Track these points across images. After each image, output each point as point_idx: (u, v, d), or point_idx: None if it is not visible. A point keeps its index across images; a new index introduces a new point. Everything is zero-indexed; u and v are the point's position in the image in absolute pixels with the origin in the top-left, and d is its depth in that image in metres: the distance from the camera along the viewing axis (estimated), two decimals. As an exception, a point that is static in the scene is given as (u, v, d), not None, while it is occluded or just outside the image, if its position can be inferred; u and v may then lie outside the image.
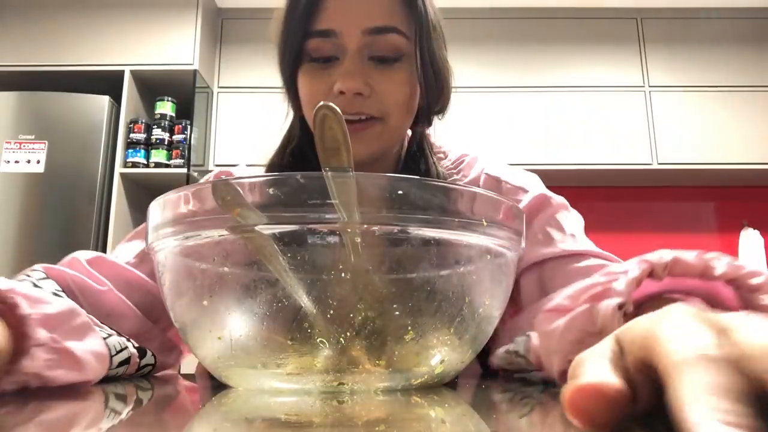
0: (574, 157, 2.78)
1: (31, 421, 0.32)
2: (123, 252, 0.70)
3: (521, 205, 0.70)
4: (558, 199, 0.73)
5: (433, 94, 0.72)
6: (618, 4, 2.94)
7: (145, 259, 0.68)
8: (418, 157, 0.76)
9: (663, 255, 0.36)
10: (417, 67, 0.69)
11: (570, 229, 0.69)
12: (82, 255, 0.66)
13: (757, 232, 2.91)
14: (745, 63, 2.91)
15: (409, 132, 0.77)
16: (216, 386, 0.48)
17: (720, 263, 0.36)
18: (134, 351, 0.58)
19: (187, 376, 0.70)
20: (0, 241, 2.44)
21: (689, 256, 0.36)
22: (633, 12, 2.97)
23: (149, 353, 0.62)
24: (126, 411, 0.38)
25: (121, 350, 0.55)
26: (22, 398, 0.39)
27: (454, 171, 0.78)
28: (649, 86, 2.89)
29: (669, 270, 0.36)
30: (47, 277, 0.60)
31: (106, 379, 0.54)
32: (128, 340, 0.58)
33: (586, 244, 0.68)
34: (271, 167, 0.79)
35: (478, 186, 0.74)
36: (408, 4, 0.68)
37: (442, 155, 0.80)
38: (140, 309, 0.65)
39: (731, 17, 2.96)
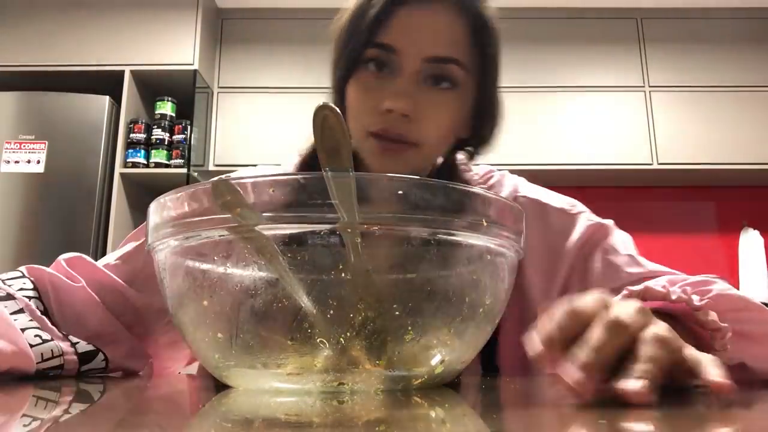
0: (574, 157, 2.78)
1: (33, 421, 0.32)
2: (111, 255, 0.70)
3: (575, 237, 0.72)
4: (607, 223, 0.74)
5: (485, 130, 0.73)
6: (618, 4, 2.94)
7: (129, 260, 0.68)
8: (449, 175, 0.75)
9: (637, 286, 0.49)
10: (473, 102, 0.69)
11: (628, 250, 0.71)
12: (64, 256, 0.67)
13: (757, 232, 2.91)
14: (745, 63, 2.90)
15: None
16: (216, 386, 0.48)
17: (677, 290, 0.47)
18: (73, 358, 0.59)
19: (187, 377, 0.70)
20: (0, 241, 2.44)
21: (657, 284, 0.49)
22: (633, 12, 2.97)
23: (99, 357, 0.62)
24: (126, 411, 0.38)
25: (52, 357, 0.57)
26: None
27: (484, 186, 0.77)
28: (649, 86, 2.89)
29: (641, 295, 0.48)
30: (23, 276, 0.63)
31: (101, 380, 0.54)
32: (73, 345, 0.59)
33: (650, 266, 0.70)
34: (304, 170, 0.76)
35: None
36: (475, 35, 0.67)
37: (465, 167, 0.80)
38: (112, 310, 0.65)
39: (731, 17, 2.96)
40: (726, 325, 0.46)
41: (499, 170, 0.81)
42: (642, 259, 0.71)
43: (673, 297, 0.47)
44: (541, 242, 0.72)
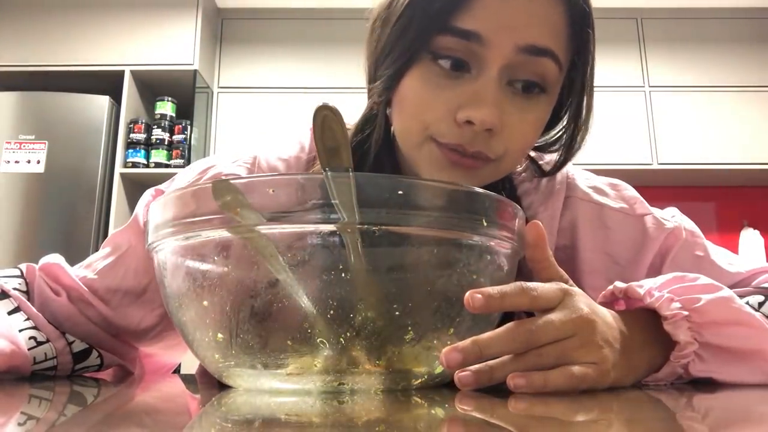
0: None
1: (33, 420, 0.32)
2: (92, 258, 0.65)
3: (644, 252, 0.63)
4: (674, 223, 0.65)
5: (576, 138, 0.63)
6: (618, 4, 2.94)
7: (105, 275, 0.62)
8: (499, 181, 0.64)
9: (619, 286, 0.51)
10: (571, 104, 0.60)
11: (701, 250, 0.64)
12: (43, 261, 0.63)
13: (757, 232, 2.91)
14: (745, 63, 2.90)
15: None
16: (216, 386, 0.48)
17: (656, 294, 0.47)
18: (67, 358, 0.58)
19: (187, 377, 0.70)
20: (0, 241, 2.44)
21: (643, 286, 0.48)
22: (633, 12, 2.97)
23: (94, 355, 0.61)
24: (126, 411, 0.38)
25: (45, 360, 0.56)
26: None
27: (527, 181, 0.67)
28: (649, 86, 2.89)
29: (624, 293, 0.50)
30: (21, 276, 0.62)
31: (96, 381, 0.54)
32: (69, 343, 0.58)
33: (728, 265, 0.64)
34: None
35: (559, 204, 0.65)
36: (574, 24, 0.57)
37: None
38: (95, 324, 0.62)
39: (731, 17, 2.96)
40: (689, 339, 0.45)
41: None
42: (717, 256, 0.64)
43: (647, 300, 0.47)
44: (602, 252, 0.65)
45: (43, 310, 0.60)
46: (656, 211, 0.67)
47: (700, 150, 2.80)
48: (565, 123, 0.63)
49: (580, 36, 0.57)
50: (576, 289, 0.44)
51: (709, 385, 0.48)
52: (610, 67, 2.90)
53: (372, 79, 0.60)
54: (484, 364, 0.41)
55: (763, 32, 2.95)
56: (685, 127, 2.83)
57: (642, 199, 0.67)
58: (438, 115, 0.53)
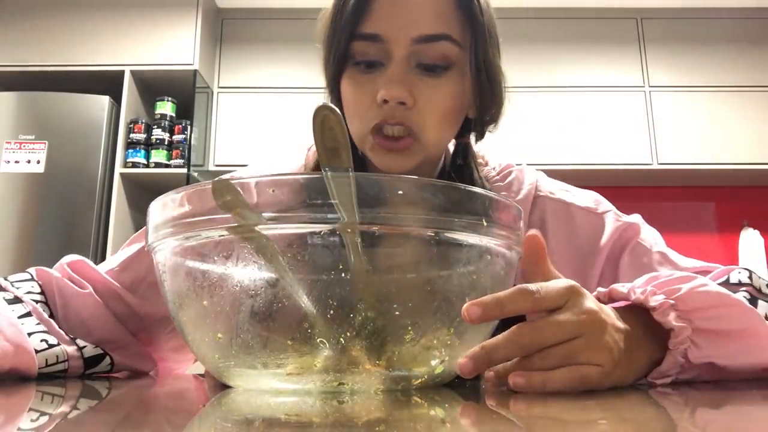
0: (574, 157, 2.78)
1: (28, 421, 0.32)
2: (112, 259, 0.69)
3: (603, 240, 0.69)
4: (635, 221, 0.71)
5: (487, 106, 0.68)
6: (618, 4, 2.94)
7: (131, 266, 0.67)
8: (462, 169, 0.73)
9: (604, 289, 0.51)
10: (471, 77, 0.65)
11: (658, 247, 0.69)
12: (66, 259, 0.66)
13: (757, 232, 2.91)
14: (745, 63, 2.90)
15: (453, 142, 0.74)
16: (216, 386, 0.48)
17: (638, 290, 0.48)
18: (78, 363, 0.59)
19: (193, 377, 0.70)
20: (0, 241, 2.44)
21: (625, 285, 0.50)
22: (633, 12, 2.97)
23: (106, 361, 0.61)
24: (127, 411, 0.38)
25: (57, 363, 0.56)
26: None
27: (501, 183, 0.74)
28: (649, 86, 2.89)
29: (609, 296, 0.50)
30: (31, 279, 0.63)
31: (107, 379, 0.54)
32: (80, 349, 0.59)
33: (681, 261, 0.68)
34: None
35: (528, 203, 0.72)
36: (462, 8, 0.64)
37: (482, 161, 0.77)
38: (118, 317, 0.65)
39: (731, 17, 2.96)
40: (681, 324, 0.46)
41: (518, 165, 0.78)
42: (673, 255, 0.69)
43: (632, 297, 0.48)
44: (568, 245, 0.70)
45: (67, 308, 0.61)
46: (617, 211, 0.73)
47: (700, 150, 2.80)
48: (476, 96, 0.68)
49: (470, 13, 0.64)
50: (583, 289, 0.44)
51: (707, 384, 0.48)
52: (610, 67, 2.90)
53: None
54: (490, 370, 0.43)
55: (763, 32, 2.95)
56: (685, 127, 2.83)
57: (607, 201, 0.74)
58: (366, 105, 0.64)
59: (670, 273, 0.50)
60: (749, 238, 2.90)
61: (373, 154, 0.65)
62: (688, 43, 2.93)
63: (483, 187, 0.70)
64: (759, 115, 2.84)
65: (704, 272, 0.64)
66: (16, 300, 0.58)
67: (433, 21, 0.62)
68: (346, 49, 0.64)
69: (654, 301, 0.47)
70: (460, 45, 0.63)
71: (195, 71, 2.72)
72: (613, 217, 0.71)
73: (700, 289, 0.48)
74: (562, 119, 2.83)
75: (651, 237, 0.71)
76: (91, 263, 0.66)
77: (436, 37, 0.62)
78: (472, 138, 0.74)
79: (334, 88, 0.68)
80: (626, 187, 3.06)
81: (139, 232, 0.68)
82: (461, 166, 0.73)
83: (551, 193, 0.73)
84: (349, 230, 0.39)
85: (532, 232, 0.47)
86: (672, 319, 0.46)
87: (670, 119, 2.84)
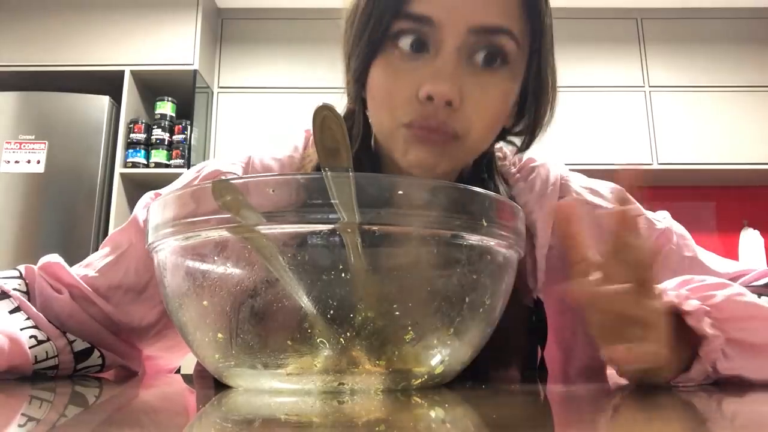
0: (574, 157, 2.78)
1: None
2: (90, 259, 0.66)
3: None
4: (666, 226, 0.67)
5: (540, 114, 0.63)
6: (618, 4, 2.94)
7: (107, 273, 0.63)
8: (485, 178, 0.67)
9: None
10: (525, 82, 0.60)
11: (690, 251, 0.66)
12: (42, 261, 0.63)
13: (757, 232, 2.91)
14: (745, 63, 2.90)
15: None
16: (216, 386, 0.48)
17: (673, 293, 0.47)
18: (68, 357, 0.58)
19: (185, 377, 0.70)
20: (0, 241, 2.44)
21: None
22: (633, 12, 2.97)
23: (96, 354, 0.60)
24: (126, 411, 0.38)
25: (47, 359, 0.56)
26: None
27: (524, 183, 0.69)
28: (649, 86, 2.89)
29: None
30: (20, 277, 0.61)
31: (97, 380, 0.54)
32: (70, 342, 0.58)
33: (714, 264, 0.66)
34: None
35: (553, 203, 0.66)
36: (529, 6, 0.58)
37: (500, 155, 0.71)
38: (98, 322, 0.62)
39: (731, 17, 2.96)
40: (715, 333, 0.44)
41: (538, 159, 0.72)
42: (705, 256, 0.66)
43: (665, 299, 0.46)
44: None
45: (46, 309, 0.60)
46: (648, 213, 0.68)
47: (700, 150, 2.80)
48: (528, 103, 0.63)
49: (537, 10, 0.59)
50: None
51: (730, 386, 0.47)
52: (610, 67, 2.90)
53: (346, 75, 0.62)
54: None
55: (763, 32, 2.95)
56: (685, 127, 2.83)
57: (635, 201, 0.68)
58: (403, 97, 0.55)
59: (702, 278, 0.49)
60: (749, 238, 2.90)
61: (405, 148, 0.56)
62: (688, 43, 2.93)
63: (497, 190, 0.66)
64: (759, 115, 2.84)
65: (738, 276, 0.63)
66: (3, 295, 0.58)
67: (495, 11, 0.55)
68: (387, 30, 0.55)
69: (689, 305, 0.45)
70: (519, 44, 0.57)
71: (195, 71, 2.72)
72: (644, 223, 0.67)
73: (737, 298, 0.46)
74: (561, 119, 2.83)
75: (682, 239, 0.67)
76: (67, 266, 0.63)
77: (497, 30, 0.55)
78: (506, 146, 0.70)
79: (361, 75, 0.59)
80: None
81: (118, 229, 0.65)
82: (484, 177, 0.67)
83: (577, 194, 0.69)
84: (349, 230, 0.39)
85: (566, 199, 0.46)
86: (706, 326, 0.44)
87: (670, 119, 2.84)
